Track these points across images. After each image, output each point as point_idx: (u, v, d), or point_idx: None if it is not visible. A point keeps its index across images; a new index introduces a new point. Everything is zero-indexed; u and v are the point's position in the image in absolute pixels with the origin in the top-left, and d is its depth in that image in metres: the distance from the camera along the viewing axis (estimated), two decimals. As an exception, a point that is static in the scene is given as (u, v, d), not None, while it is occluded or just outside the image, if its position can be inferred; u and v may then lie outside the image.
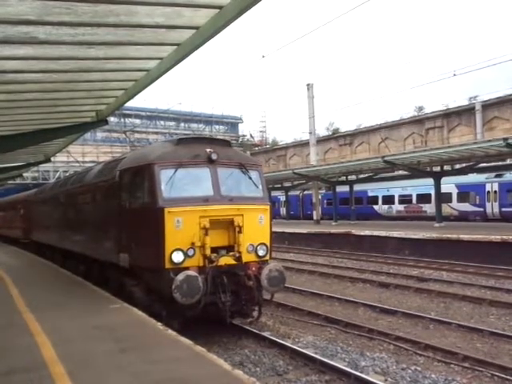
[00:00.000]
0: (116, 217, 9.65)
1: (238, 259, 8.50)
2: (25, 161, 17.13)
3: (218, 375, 5.10)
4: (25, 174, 36.91)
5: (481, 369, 7.22)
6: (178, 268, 7.99)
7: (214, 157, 8.70)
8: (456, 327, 9.45)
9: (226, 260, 8.37)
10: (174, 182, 8.42)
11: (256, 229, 8.81)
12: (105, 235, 10.55)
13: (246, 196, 9.04)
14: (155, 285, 8.51)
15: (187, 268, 8.01)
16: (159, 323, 7.29)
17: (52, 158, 17.62)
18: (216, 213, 8.38)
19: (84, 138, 41.21)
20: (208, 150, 8.78)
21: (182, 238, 8.10)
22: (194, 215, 8.19)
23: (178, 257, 8.05)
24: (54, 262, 16.09)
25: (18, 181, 39.20)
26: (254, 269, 8.67)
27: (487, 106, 39.70)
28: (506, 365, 7.26)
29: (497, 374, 7.01)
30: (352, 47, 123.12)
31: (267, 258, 9.02)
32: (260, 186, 9.35)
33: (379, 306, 11.30)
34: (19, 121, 9.97)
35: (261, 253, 8.84)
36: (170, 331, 6.83)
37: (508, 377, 6.88)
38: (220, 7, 5.27)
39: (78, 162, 42.19)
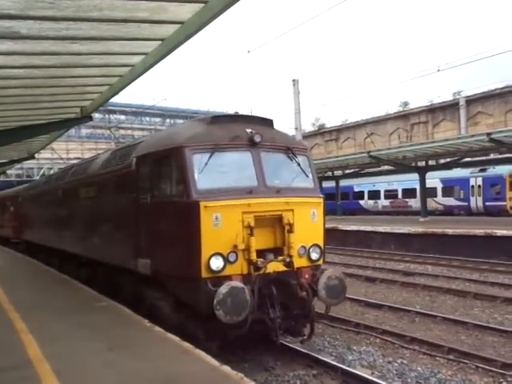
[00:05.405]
0: (132, 213, 8.15)
1: (289, 265, 6.94)
2: (8, 158, 16.93)
3: (206, 371, 5.09)
4: (8, 171, 36.50)
5: (465, 361, 7.31)
6: (218, 277, 6.50)
7: (257, 139, 7.14)
8: (441, 320, 9.55)
9: (274, 266, 6.84)
10: (209, 170, 6.87)
11: (308, 227, 7.28)
12: (117, 236, 9.18)
13: (295, 187, 7.55)
14: (188, 298, 6.91)
15: (229, 277, 6.53)
16: (146, 320, 7.22)
17: (36, 155, 17.35)
18: (262, 207, 6.87)
19: (68, 135, 40.71)
20: (249, 130, 7.26)
21: (222, 240, 6.58)
22: (235, 211, 6.68)
23: (217, 263, 6.50)
24: (50, 265, 14.72)
25: (2, 178, 38.73)
26: (307, 276, 7.17)
27: (471, 101, 40.22)
28: (490, 357, 7.36)
29: (481, 365, 7.11)
30: (338, 42, 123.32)
31: (321, 262, 7.51)
32: (310, 175, 7.82)
33: (365, 300, 11.37)
34: (1, 117, 9.82)
35: (314, 256, 7.31)
36: (157, 328, 6.78)
37: (492, 368, 6.97)
38: (205, 2, 5.24)
39: (62, 158, 41.73)
